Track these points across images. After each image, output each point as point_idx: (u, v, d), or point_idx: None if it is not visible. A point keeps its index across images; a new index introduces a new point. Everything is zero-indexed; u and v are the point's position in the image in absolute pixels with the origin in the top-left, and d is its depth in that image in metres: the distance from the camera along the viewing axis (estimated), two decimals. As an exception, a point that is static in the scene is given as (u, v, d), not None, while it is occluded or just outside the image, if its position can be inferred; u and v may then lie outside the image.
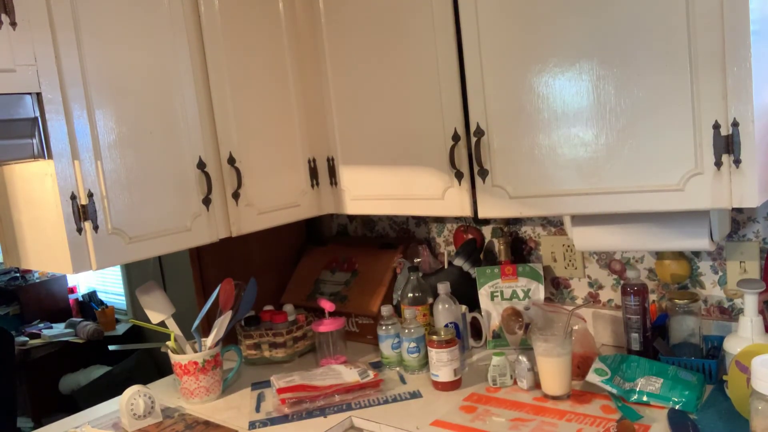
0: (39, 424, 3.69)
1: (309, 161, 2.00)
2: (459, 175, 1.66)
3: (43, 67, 1.42)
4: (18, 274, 4.76)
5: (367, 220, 2.47)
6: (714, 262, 1.69)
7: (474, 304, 1.98)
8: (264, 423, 1.62)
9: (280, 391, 1.68)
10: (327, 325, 1.95)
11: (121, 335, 4.56)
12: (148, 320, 1.81)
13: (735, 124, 1.23)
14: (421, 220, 2.29)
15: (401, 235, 2.36)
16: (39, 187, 1.51)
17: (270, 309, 2.16)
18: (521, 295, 1.93)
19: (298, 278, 2.41)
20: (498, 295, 1.95)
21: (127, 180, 1.57)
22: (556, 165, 1.49)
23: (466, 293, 1.98)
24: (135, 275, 4.52)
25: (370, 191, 1.90)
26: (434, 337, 1.69)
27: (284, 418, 1.64)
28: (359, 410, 1.64)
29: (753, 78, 1.21)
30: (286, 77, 1.94)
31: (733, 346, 1.45)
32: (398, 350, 1.87)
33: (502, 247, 1.99)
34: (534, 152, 1.52)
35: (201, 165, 1.72)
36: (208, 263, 2.23)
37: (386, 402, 1.67)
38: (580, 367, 1.62)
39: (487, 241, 2.11)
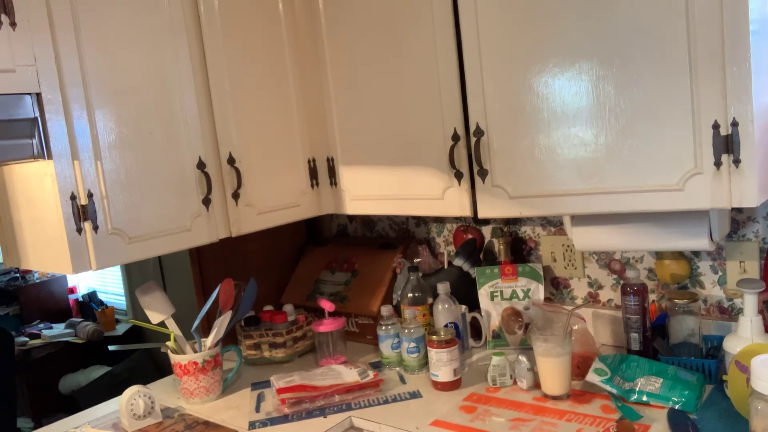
0: (39, 424, 3.69)
1: (309, 161, 2.00)
2: (459, 175, 1.66)
3: (43, 67, 1.42)
4: (18, 275, 4.76)
5: (367, 220, 2.47)
6: (714, 262, 1.69)
7: (474, 304, 1.98)
8: (264, 423, 1.63)
9: (280, 391, 1.68)
10: (327, 325, 1.95)
11: (121, 335, 4.56)
12: (148, 320, 1.81)
13: (734, 124, 1.23)
14: (421, 220, 2.29)
15: (401, 235, 2.36)
16: (39, 187, 1.51)
17: (270, 309, 2.16)
18: (521, 295, 1.93)
19: (298, 278, 2.41)
20: (498, 295, 1.95)
21: (127, 180, 1.57)
22: (555, 165, 1.49)
23: (466, 293, 1.98)
24: (135, 275, 4.52)
25: (370, 191, 1.90)
26: (434, 337, 1.69)
27: (284, 418, 1.64)
28: (359, 410, 1.64)
29: (752, 78, 1.21)
30: (286, 77, 1.94)
31: (732, 346, 1.45)
32: (398, 350, 1.87)
33: (501, 247, 1.99)
34: (534, 152, 1.52)
35: (201, 165, 1.72)
36: (208, 263, 2.23)
37: (386, 402, 1.67)
38: (579, 367, 1.62)
39: (486, 241, 2.11)
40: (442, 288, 1.87)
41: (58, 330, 4.43)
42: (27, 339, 4.25)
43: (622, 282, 1.85)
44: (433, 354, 1.69)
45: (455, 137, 1.65)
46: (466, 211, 1.68)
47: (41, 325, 4.51)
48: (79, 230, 1.47)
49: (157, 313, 1.80)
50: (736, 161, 1.24)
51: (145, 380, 1.98)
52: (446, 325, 1.86)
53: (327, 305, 1.97)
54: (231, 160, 1.79)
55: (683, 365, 1.55)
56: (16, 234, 1.67)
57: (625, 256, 1.84)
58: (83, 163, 1.48)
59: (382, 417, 1.58)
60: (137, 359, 4.23)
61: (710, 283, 1.71)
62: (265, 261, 2.37)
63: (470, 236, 2.10)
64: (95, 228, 1.49)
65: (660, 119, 1.33)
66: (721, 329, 1.67)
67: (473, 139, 1.60)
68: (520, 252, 2.04)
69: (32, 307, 4.65)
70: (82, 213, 1.48)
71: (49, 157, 1.44)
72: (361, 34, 1.82)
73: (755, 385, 1.14)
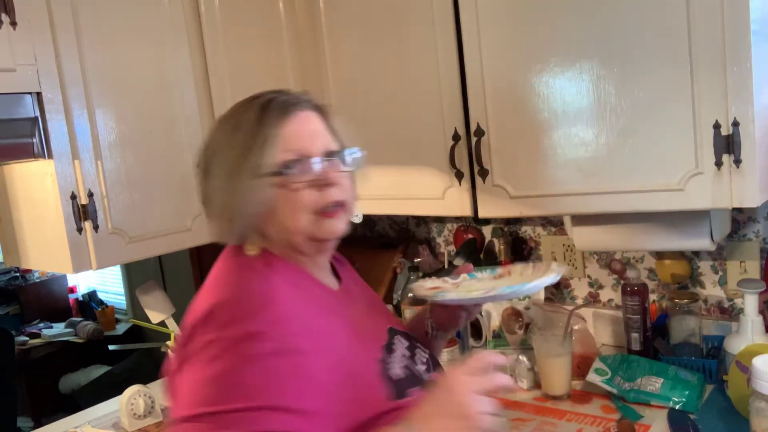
0: (39, 424, 3.68)
1: (309, 161, 1.99)
2: (459, 175, 1.66)
3: (43, 66, 1.42)
4: (18, 274, 4.76)
5: (367, 220, 2.46)
6: (714, 262, 1.69)
7: (474, 304, 1.98)
8: (264, 423, 1.62)
9: (280, 390, 1.68)
10: (327, 325, 1.94)
11: (121, 335, 4.55)
12: (148, 320, 1.81)
13: (735, 124, 1.23)
14: (421, 220, 2.29)
15: (401, 235, 2.36)
16: (39, 186, 1.51)
17: (270, 309, 2.15)
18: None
19: (298, 278, 2.40)
20: (498, 295, 1.94)
21: (127, 180, 1.57)
22: (556, 165, 1.49)
23: (466, 293, 1.97)
24: (135, 275, 4.51)
25: (370, 191, 1.89)
26: (434, 336, 1.69)
27: (284, 418, 1.63)
28: (359, 410, 1.63)
29: (753, 78, 1.21)
30: (286, 76, 1.93)
31: (733, 346, 1.45)
32: (398, 350, 1.87)
33: (502, 246, 1.99)
34: (534, 152, 1.52)
35: (201, 165, 1.72)
36: (208, 263, 2.22)
37: (386, 402, 1.66)
38: (580, 367, 1.62)
39: (487, 240, 2.11)
40: (443, 288, 1.87)
41: (58, 329, 4.43)
42: (27, 338, 4.25)
43: (622, 282, 1.85)
44: (434, 354, 1.68)
45: (456, 137, 1.65)
46: (466, 211, 1.68)
47: (41, 325, 4.51)
48: (80, 230, 1.47)
49: (158, 312, 1.80)
50: (737, 161, 1.24)
51: (145, 380, 1.97)
52: (446, 325, 1.86)
53: (327, 305, 1.97)
54: (231, 160, 1.79)
55: (684, 365, 1.54)
56: (17, 233, 1.66)
57: (625, 256, 1.84)
58: (83, 163, 1.48)
59: (383, 417, 1.58)
60: (137, 359, 4.22)
61: (711, 283, 1.70)
62: (265, 261, 2.37)
63: (470, 236, 2.10)
64: (95, 227, 1.49)
65: (661, 119, 1.33)
66: (721, 329, 1.66)
67: (474, 139, 1.60)
68: (520, 252, 2.04)
69: (32, 306, 4.65)
70: (83, 212, 1.48)
71: (50, 156, 1.44)
72: (362, 34, 1.81)
73: (756, 385, 1.14)
